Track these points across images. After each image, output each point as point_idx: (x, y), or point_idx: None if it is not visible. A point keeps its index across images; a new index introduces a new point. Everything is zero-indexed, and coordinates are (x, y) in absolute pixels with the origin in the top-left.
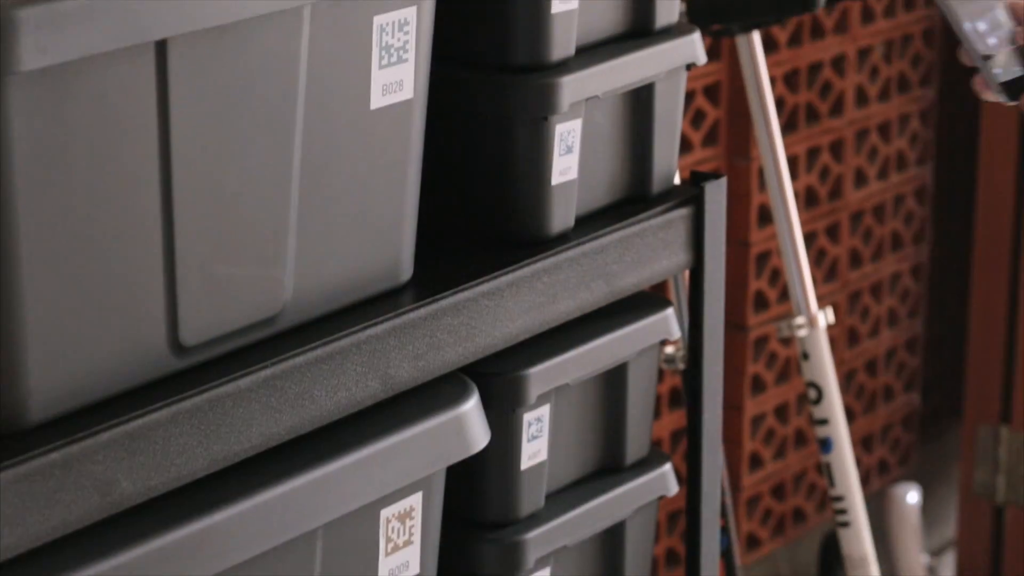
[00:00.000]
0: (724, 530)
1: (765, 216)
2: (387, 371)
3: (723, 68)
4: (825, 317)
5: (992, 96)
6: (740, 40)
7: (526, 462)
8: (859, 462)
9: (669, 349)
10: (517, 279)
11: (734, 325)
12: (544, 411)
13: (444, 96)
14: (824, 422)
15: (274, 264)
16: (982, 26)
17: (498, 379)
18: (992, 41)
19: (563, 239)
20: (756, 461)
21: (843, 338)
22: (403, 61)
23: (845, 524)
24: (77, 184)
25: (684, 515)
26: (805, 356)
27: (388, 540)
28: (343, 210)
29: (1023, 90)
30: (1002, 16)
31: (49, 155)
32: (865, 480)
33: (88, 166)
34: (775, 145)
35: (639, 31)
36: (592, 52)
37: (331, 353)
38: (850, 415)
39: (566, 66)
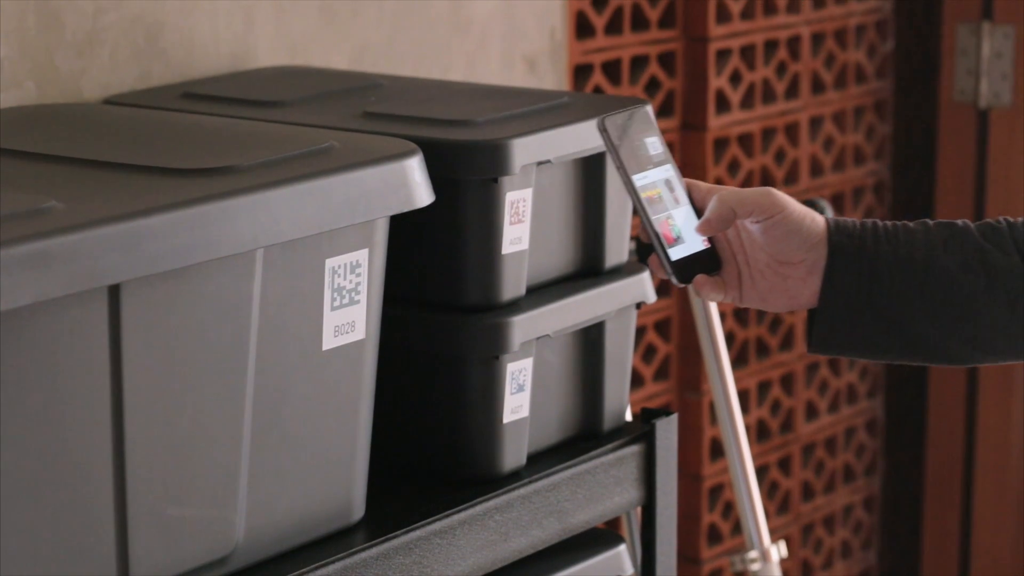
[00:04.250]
0: None
1: (717, 449)
2: None
3: (673, 304)
4: (778, 551)
5: (663, 275)
6: None
7: None
8: None
9: None
10: (469, 517)
11: (688, 559)
12: None
13: (396, 335)
14: None
15: (226, 505)
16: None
17: None
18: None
19: (515, 477)
20: None
21: (797, 571)
22: (355, 303)
23: None
24: (28, 426)
25: None
26: None
27: None
28: (295, 450)
29: (695, 272)
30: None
31: (1, 397)
32: None
33: (40, 408)
34: (726, 379)
35: (589, 270)
36: (543, 291)
37: None
38: None
39: (517, 306)
